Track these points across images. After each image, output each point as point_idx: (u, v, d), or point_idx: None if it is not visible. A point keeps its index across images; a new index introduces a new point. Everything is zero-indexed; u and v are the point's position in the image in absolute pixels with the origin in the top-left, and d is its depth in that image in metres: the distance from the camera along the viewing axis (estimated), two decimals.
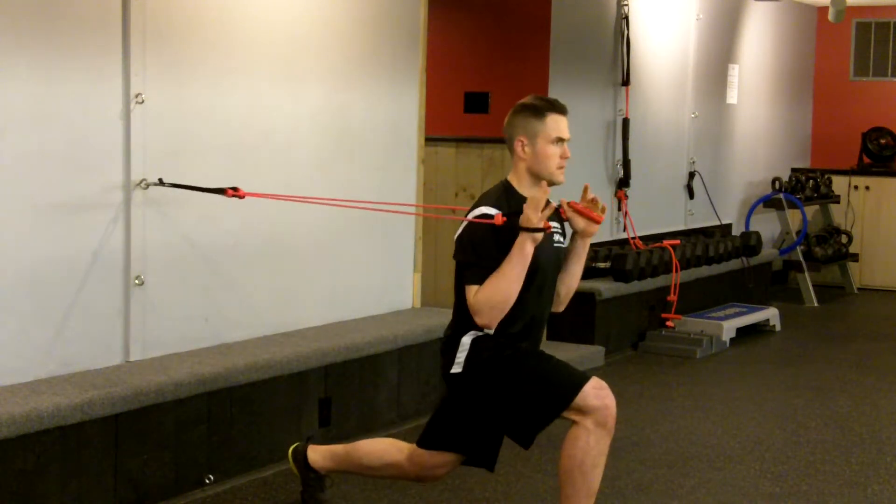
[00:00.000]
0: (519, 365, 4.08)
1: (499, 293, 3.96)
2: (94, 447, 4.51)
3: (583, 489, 4.03)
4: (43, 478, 4.34)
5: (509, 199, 4.10)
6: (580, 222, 4.19)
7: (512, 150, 4.18)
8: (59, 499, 4.40)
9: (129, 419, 4.62)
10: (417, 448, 4.33)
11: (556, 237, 4.21)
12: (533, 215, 3.94)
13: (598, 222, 4.18)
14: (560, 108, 4.16)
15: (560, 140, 4.13)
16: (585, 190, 4.24)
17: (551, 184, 4.15)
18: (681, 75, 9.54)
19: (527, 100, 4.20)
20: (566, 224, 4.27)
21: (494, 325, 4.03)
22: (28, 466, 4.28)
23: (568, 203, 4.21)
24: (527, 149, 4.13)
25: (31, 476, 4.29)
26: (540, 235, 3.95)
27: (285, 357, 5.32)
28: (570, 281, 4.31)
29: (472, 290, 4.00)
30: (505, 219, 3.98)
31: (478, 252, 4.02)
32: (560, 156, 4.13)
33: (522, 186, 4.16)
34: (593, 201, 4.19)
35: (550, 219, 4.11)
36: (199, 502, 4.85)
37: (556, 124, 4.12)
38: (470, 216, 4.08)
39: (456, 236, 4.12)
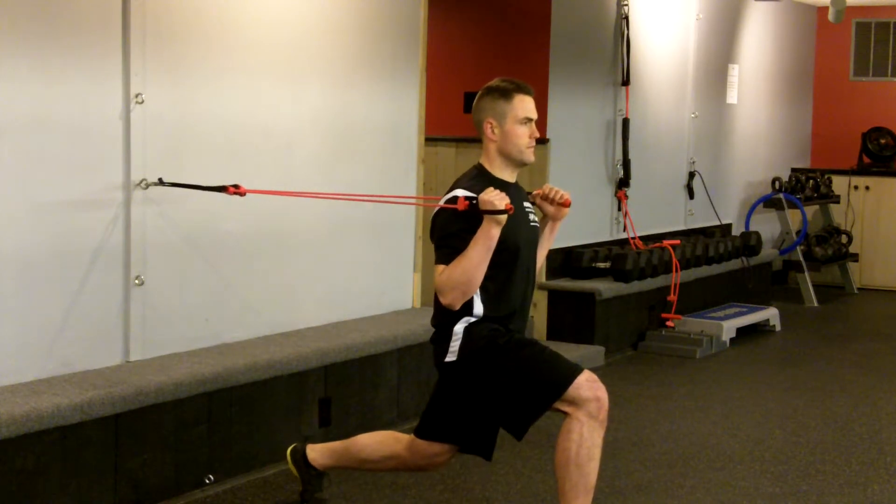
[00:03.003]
0: (512, 355, 4.10)
1: (463, 275, 4.01)
2: (94, 447, 4.51)
3: (580, 483, 4.04)
4: (43, 478, 4.34)
5: (483, 182, 4.15)
6: (549, 208, 4.33)
7: (482, 133, 4.26)
8: (59, 499, 4.40)
9: (129, 419, 4.62)
10: (416, 438, 4.35)
11: (531, 217, 4.30)
12: (494, 199, 3.99)
13: (566, 205, 4.30)
14: (526, 89, 4.25)
15: (528, 120, 4.22)
16: (543, 191, 4.35)
17: (522, 164, 4.25)
18: (681, 75, 9.54)
19: (493, 83, 4.29)
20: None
21: (458, 306, 4.07)
22: (28, 466, 4.28)
23: (534, 192, 4.35)
24: (496, 130, 4.21)
25: (31, 476, 4.29)
26: (503, 218, 4.00)
27: (285, 357, 5.32)
28: (536, 264, 4.38)
29: (438, 270, 4.07)
30: (468, 203, 4.04)
31: (446, 233, 4.08)
32: (528, 135, 4.21)
33: (495, 168, 4.25)
34: (551, 191, 4.31)
35: (522, 200, 4.23)
36: (199, 502, 4.85)
37: (524, 104, 4.21)
38: (444, 199, 4.15)
39: (431, 218, 4.19)
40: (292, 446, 4.72)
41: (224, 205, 5.20)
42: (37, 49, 4.59)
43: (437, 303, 4.19)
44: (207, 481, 4.97)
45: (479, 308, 4.12)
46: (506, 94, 4.21)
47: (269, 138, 5.66)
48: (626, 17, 8.54)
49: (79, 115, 4.76)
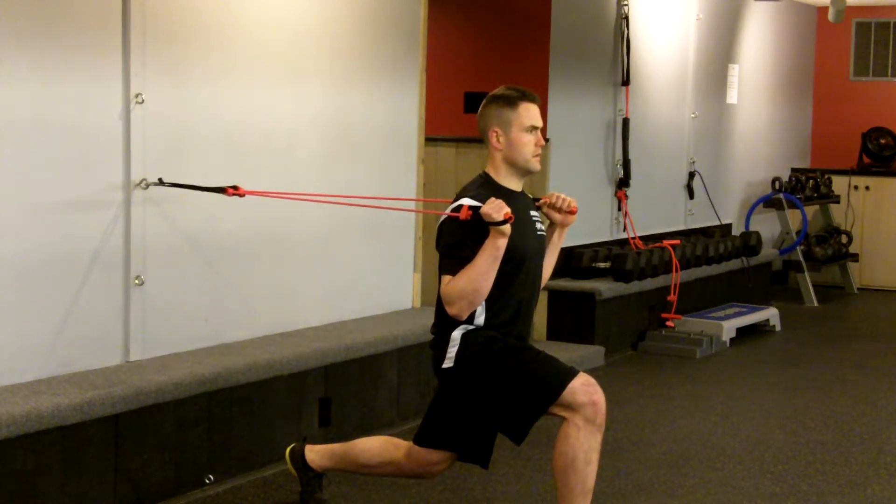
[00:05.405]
0: (507, 360, 4.09)
1: (470, 284, 4.00)
2: (94, 447, 4.51)
3: (577, 486, 4.03)
4: (43, 478, 4.34)
5: (489, 191, 4.14)
6: (557, 216, 4.31)
7: (487, 142, 4.24)
8: (59, 499, 4.40)
9: (129, 419, 4.62)
10: (414, 445, 4.34)
11: (538, 225, 4.29)
12: (492, 210, 3.98)
13: (573, 213, 4.29)
14: (531, 97, 4.23)
15: (533, 128, 4.20)
16: (549, 199, 4.34)
17: (528, 172, 4.24)
18: (681, 75, 9.54)
19: (498, 91, 4.27)
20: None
21: (465, 315, 4.07)
22: (28, 466, 4.28)
23: (541, 200, 4.34)
24: (501, 139, 4.20)
25: (31, 476, 4.29)
26: (508, 227, 3.99)
27: (285, 357, 5.32)
28: (545, 272, 4.36)
29: (445, 280, 4.06)
30: (470, 213, 4.04)
31: (452, 242, 4.07)
32: (534, 143, 4.20)
33: (500, 176, 4.23)
34: (558, 199, 4.29)
35: (528, 208, 4.22)
36: (199, 502, 4.86)
37: (529, 112, 4.20)
38: (450, 208, 4.14)
39: (437, 228, 4.18)
40: (291, 446, 4.71)
41: (224, 205, 5.20)
42: (37, 49, 4.59)
43: (437, 309, 4.18)
44: (207, 481, 4.97)
45: (480, 315, 4.11)
46: (511, 102, 4.19)
47: (268, 138, 5.66)
48: (626, 17, 8.54)
49: (79, 115, 4.76)
